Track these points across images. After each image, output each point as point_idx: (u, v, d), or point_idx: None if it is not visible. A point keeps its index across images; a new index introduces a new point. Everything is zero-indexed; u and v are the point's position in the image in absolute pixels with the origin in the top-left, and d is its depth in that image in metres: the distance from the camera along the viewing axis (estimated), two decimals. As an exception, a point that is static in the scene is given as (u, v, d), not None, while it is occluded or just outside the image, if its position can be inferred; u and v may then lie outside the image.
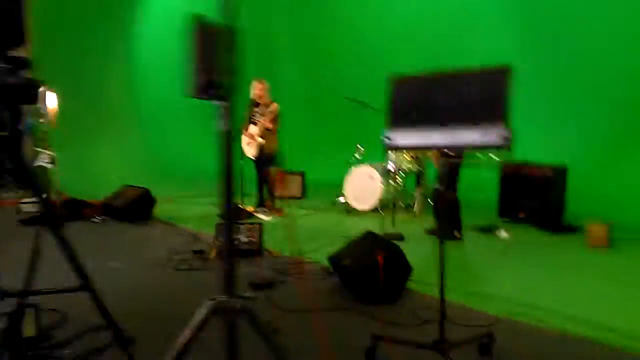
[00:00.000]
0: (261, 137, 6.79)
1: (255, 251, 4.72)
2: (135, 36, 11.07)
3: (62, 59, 9.29)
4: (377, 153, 6.86)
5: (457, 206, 5.47)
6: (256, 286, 3.87)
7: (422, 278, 3.85)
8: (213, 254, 4.59)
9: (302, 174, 8.20)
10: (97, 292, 2.40)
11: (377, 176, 6.76)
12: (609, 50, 7.19)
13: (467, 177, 8.25)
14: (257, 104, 6.87)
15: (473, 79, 2.49)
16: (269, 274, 4.12)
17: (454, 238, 5.38)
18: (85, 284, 2.37)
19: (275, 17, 10.82)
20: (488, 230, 5.80)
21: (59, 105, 7.15)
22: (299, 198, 8.08)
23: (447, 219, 5.54)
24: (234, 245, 4.73)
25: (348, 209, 7.00)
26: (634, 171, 6.82)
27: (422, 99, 2.71)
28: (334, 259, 3.94)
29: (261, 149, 6.82)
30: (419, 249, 4.94)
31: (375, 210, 6.85)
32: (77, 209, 6.54)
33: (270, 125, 6.71)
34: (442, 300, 2.50)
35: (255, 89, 6.81)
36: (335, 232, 5.65)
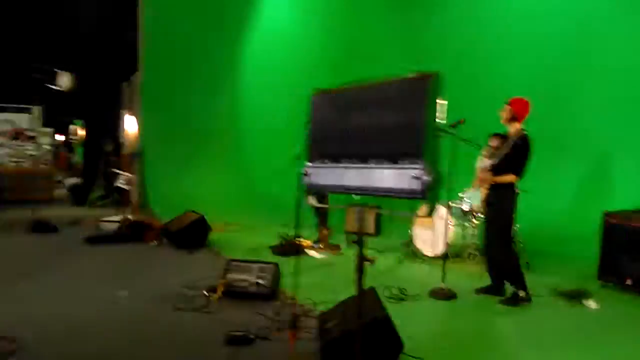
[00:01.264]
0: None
1: (265, 295, 4.18)
2: (242, 65, 11.40)
3: (170, 84, 9.80)
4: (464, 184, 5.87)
5: (509, 259, 4.41)
6: (231, 340, 3.34)
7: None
8: (217, 295, 4.16)
9: (378, 208, 7.44)
10: None
11: (448, 216, 5.78)
12: None
13: (564, 223, 6.82)
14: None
15: (390, 94, 1.73)
16: (253, 328, 3.54)
17: (515, 301, 4.28)
18: None
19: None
20: (575, 296, 4.51)
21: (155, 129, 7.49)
22: (372, 235, 7.31)
23: (499, 275, 4.47)
24: (241, 287, 4.32)
25: (416, 253, 6.10)
26: None
27: (339, 123, 2.00)
28: (322, 319, 3.25)
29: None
30: (458, 313, 3.98)
31: (445, 257, 5.86)
32: (139, 231, 6.65)
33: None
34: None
35: None
36: (381, 281, 4.86)
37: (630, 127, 6.60)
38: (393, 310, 4.13)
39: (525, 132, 4.34)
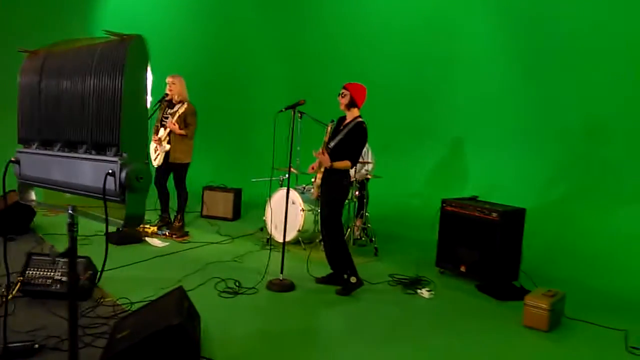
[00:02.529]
0: (169, 142, 5.71)
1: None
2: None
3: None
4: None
5: (338, 245, 4.34)
6: (6, 354, 2.79)
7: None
8: (12, 294, 3.52)
9: (236, 192, 7.07)
10: None
11: (300, 201, 5.58)
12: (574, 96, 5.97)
13: (408, 209, 7.08)
14: (172, 104, 5.82)
15: (94, 60, 1.37)
16: (41, 337, 3.01)
17: (348, 289, 4.22)
18: None
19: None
20: (411, 284, 4.53)
21: None
22: (229, 220, 6.95)
23: (336, 263, 4.39)
24: (42, 285, 3.74)
25: (268, 240, 5.83)
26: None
27: (45, 96, 1.62)
28: (116, 326, 2.81)
29: (167, 156, 5.74)
30: (290, 307, 3.78)
31: (297, 242, 5.68)
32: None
33: (176, 128, 5.62)
34: None
35: (168, 86, 5.76)
36: (224, 273, 4.52)
37: (477, 117, 6.90)
38: (223, 306, 3.85)
39: (362, 120, 4.23)
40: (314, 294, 4.24)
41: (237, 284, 4.26)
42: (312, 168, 4.52)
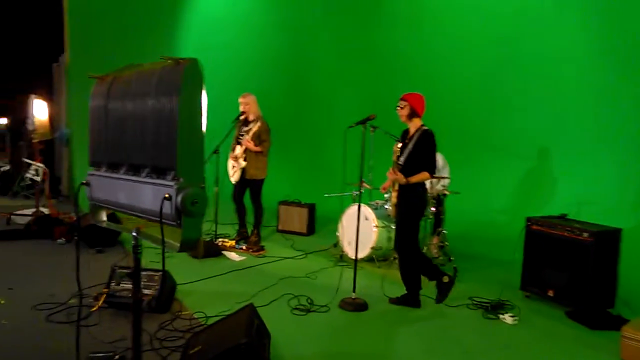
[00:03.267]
0: (245, 159, 5.87)
1: (151, 307, 3.76)
2: (178, 50, 10.85)
3: (99, 65, 9.22)
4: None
5: (415, 260, 4.22)
6: (90, 363, 2.93)
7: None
8: (97, 305, 3.72)
9: (310, 207, 7.09)
10: None
11: (373, 217, 5.47)
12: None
13: (489, 226, 6.64)
14: (247, 122, 5.98)
15: (151, 84, 1.35)
16: (121, 348, 3.13)
17: (443, 290, 4.19)
18: None
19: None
20: (492, 309, 4.25)
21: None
22: (304, 234, 6.98)
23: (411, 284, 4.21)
24: (125, 298, 3.90)
25: (342, 256, 5.76)
26: None
27: (110, 120, 1.62)
28: (189, 342, 2.86)
29: (243, 173, 5.90)
30: (360, 328, 3.66)
31: (371, 260, 5.56)
32: (48, 227, 6.11)
33: (251, 146, 5.78)
34: None
35: (240, 105, 5.94)
36: (296, 289, 4.52)
37: (564, 126, 6.41)
38: (295, 323, 3.82)
39: (427, 128, 4.14)
40: (387, 314, 4.10)
41: (309, 301, 4.22)
42: (384, 188, 4.44)
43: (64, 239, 5.96)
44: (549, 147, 6.63)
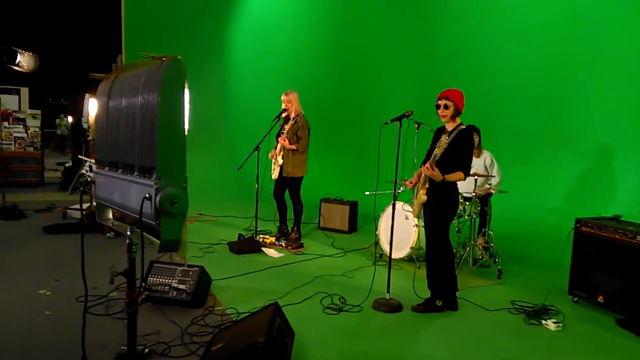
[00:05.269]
0: (282, 157, 5.89)
1: (186, 302, 3.83)
2: (230, 51, 11.07)
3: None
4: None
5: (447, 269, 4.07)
6: (120, 357, 3.01)
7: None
8: (141, 297, 3.82)
9: (352, 204, 7.01)
10: None
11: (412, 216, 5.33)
12: None
13: (539, 227, 6.27)
14: (288, 120, 6.00)
15: (140, 81, 1.32)
16: (152, 342, 3.21)
17: (429, 307, 4.03)
18: None
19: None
20: (535, 314, 4.04)
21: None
22: (345, 232, 6.92)
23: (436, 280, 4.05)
24: (161, 292, 3.99)
25: (381, 255, 5.67)
26: None
27: (110, 119, 1.60)
28: (214, 338, 2.89)
29: (282, 170, 5.93)
30: (390, 330, 3.56)
31: (411, 260, 5.43)
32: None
33: (286, 144, 5.80)
34: None
35: (283, 102, 5.96)
36: (330, 287, 4.48)
37: (629, 124, 6.01)
38: (325, 322, 3.77)
39: (464, 126, 3.98)
40: (422, 316, 3.98)
41: (342, 300, 4.17)
42: (411, 183, 4.26)
43: (112, 233, 6.19)
44: (608, 146, 6.25)
